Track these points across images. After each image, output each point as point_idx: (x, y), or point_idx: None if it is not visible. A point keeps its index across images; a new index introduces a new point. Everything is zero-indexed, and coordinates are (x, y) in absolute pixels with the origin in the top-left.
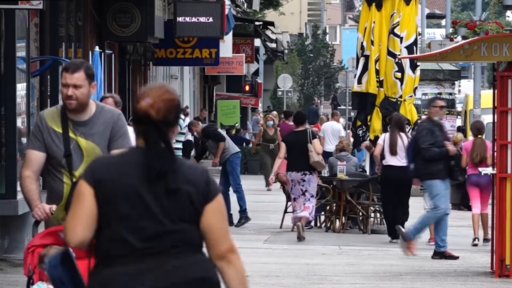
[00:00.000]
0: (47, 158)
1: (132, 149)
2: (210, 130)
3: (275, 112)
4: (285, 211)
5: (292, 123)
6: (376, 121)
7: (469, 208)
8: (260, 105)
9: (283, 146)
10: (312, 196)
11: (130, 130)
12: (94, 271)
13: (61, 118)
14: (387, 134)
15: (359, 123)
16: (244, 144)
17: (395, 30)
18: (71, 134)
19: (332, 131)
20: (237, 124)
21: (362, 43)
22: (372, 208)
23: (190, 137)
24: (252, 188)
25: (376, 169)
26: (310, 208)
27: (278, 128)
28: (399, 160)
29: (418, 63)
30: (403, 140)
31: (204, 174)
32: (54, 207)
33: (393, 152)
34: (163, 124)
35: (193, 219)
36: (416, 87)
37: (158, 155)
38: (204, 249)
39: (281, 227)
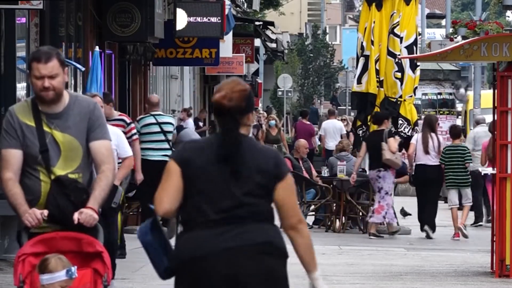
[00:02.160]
0: (23, 155)
1: (213, 135)
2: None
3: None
4: None
5: (308, 123)
6: None
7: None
8: (260, 105)
9: (363, 145)
10: (386, 193)
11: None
12: (179, 235)
13: (33, 111)
14: (419, 134)
15: (359, 123)
16: None
17: (395, 30)
18: (45, 128)
19: (334, 130)
20: None
21: (362, 43)
22: (372, 208)
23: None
24: None
25: (408, 168)
26: (384, 207)
27: (284, 129)
28: (431, 160)
29: (418, 63)
30: (433, 139)
31: (273, 155)
32: (45, 212)
33: (426, 151)
34: (235, 111)
35: (263, 194)
36: (416, 87)
37: (230, 139)
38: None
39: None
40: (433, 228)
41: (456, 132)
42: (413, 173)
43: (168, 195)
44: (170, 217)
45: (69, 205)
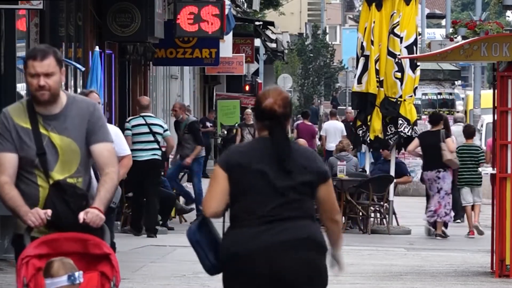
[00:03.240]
0: (18, 159)
1: (257, 139)
2: (196, 127)
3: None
4: None
5: (310, 123)
6: (376, 121)
7: None
8: None
9: (416, 141)
10: (446, 193)
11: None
12: (227, 232)
13: (29, 113)
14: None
15: (359, 123)
16: None
17: (395, 30)
18: (42, 130)
19: (335, 130)
20: (237, 124)
21: (362, 43)
22: (372, 208)
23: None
24: None
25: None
26: (445, 206)
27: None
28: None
29: (418, 63)
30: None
31: (314, 155)
32: (49, 211)
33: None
34: (283, 117)
35: (307, 192)
36: (416, 87)
37: (280, 142)
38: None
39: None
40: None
41: (470, 132)
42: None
43: (215, 198)
44: (218, 218)
45: (67, 211)
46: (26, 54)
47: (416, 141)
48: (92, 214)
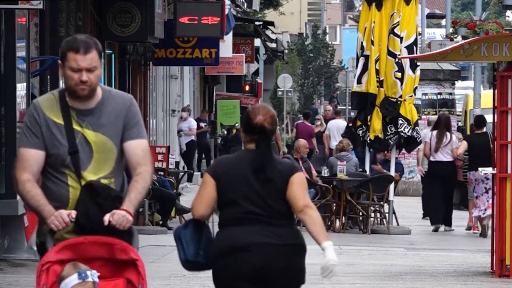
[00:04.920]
0: (47, 157)
1: (245, 151)
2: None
3: None
4: None
5: (309, 124)
6: (376, 121)
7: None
8: None
9: (464, 144)
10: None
11: None
12: (217, 234)
13: (61, 106)
14: (434, 132)
15: (359, 123)
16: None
17: (395, 30)
18: (75, 126)
19: (338, 129)
20: (237, 124)
21: (362, 43)
22: (372, 208)
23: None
24: None
25: (418, 169)
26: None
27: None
28: (445, 156)
29: (418, 63)
30: (447, 137)
31: (290, 165)
32: (73, 213)
33: (439, 148)
34: (271, 132)
35: (284, 196)
36: (416, 87)
37: (265, 154)
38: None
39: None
40: (449, 225)
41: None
42: (425, 171)
43: (203, 202)
44: (205, 220)
45: (100, 214)
46: (65, 45)
47: (464, 144)
48: (118, 216)
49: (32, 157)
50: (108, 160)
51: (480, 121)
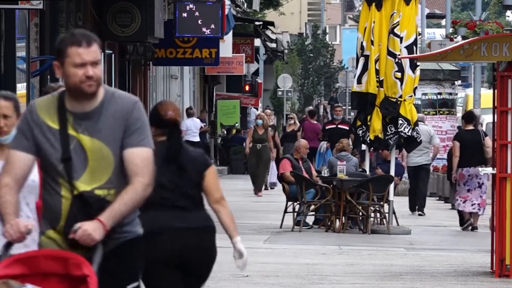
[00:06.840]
0: (41, 164)
1: (160, 143)
2: None
3: (268, 111)
4: (285, 211)
5: (315, 122)
6: (376, 121)
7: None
8: (260, 105)
9: (457, 144)
10: (486, 188)
11: None
12: (140, 214)
13: (58, 109)
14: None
15: (359, 123)
16: (244, 144)
17: (395, 30)
18: (71, 131)
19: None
20: (237, 124)
21: (362, 43)
22: (372, 208)
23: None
24: (251, 188)
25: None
26: (485, 201)
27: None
28: None
29: (418, 63)
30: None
31: (202, 155)
32: (30, 224)
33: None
34: (180, 125)
35: (197, 184)
36: (416, 87)
37: (177, 145)
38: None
39: (281, 227)
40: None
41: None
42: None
43: None
44: None
45: None
46: (63, 40)
47: (457, 144)
48: (83, 232)
49: (18, 160)
50: (104, 169)
51: (469, 116)
